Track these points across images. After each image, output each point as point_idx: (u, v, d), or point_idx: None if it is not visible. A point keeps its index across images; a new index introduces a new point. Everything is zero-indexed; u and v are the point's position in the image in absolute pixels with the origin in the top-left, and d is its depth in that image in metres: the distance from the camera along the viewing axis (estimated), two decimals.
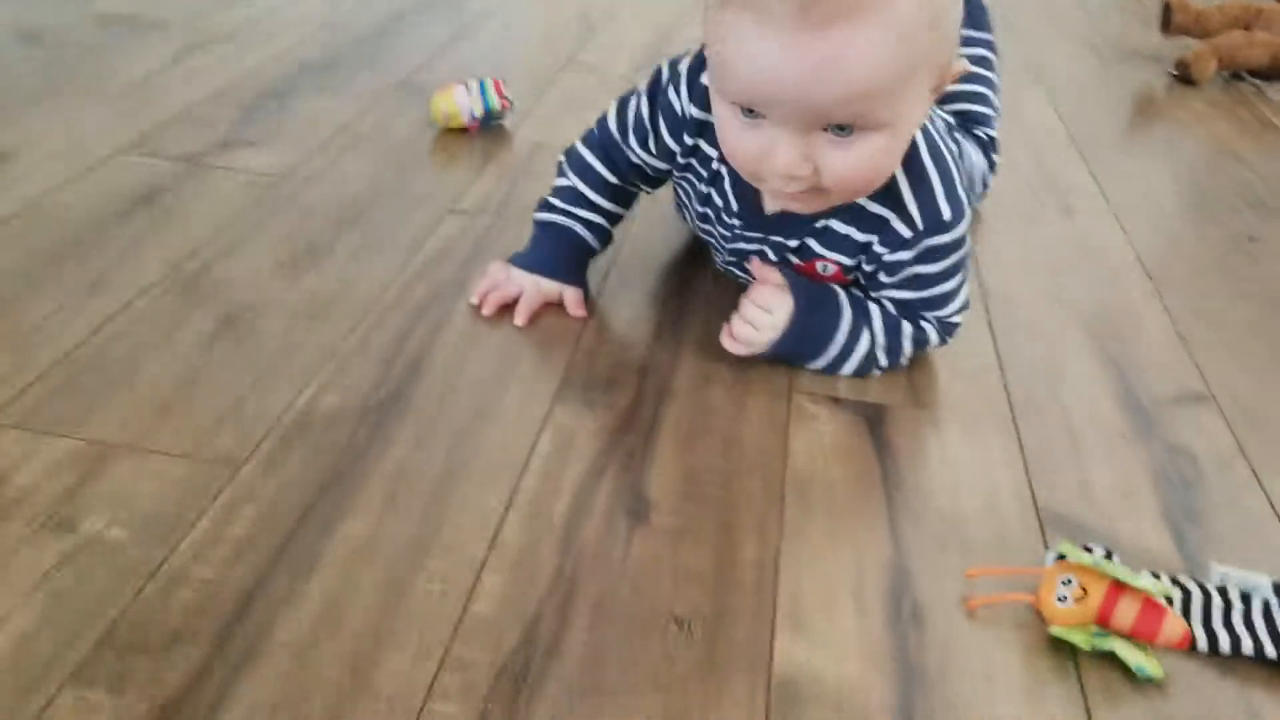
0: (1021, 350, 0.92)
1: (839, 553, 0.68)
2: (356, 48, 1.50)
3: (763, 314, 0.83)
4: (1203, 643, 0.62)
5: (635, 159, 0.89)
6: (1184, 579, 0.66)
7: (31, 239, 0.94)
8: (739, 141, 0.72)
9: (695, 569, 0.65)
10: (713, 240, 0.92)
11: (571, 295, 0.91)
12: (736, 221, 0.85)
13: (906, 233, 0.79)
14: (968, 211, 0.80)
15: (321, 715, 0.53)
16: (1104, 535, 0.71)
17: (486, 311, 0.88)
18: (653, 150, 0.87)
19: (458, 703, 0.55)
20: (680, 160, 0.86)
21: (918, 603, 0.64)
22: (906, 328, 0.84)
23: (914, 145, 0.77)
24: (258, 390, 0.77)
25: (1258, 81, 1.75)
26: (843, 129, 0.68)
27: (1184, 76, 1.72)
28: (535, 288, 0.90)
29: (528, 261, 0.91)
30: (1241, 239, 1.19)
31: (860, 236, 0.81)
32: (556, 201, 0.92)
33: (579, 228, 0.92)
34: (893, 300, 0.84)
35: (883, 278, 0.83)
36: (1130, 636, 0.61)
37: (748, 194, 0.83)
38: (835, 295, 0.84)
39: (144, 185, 1.05)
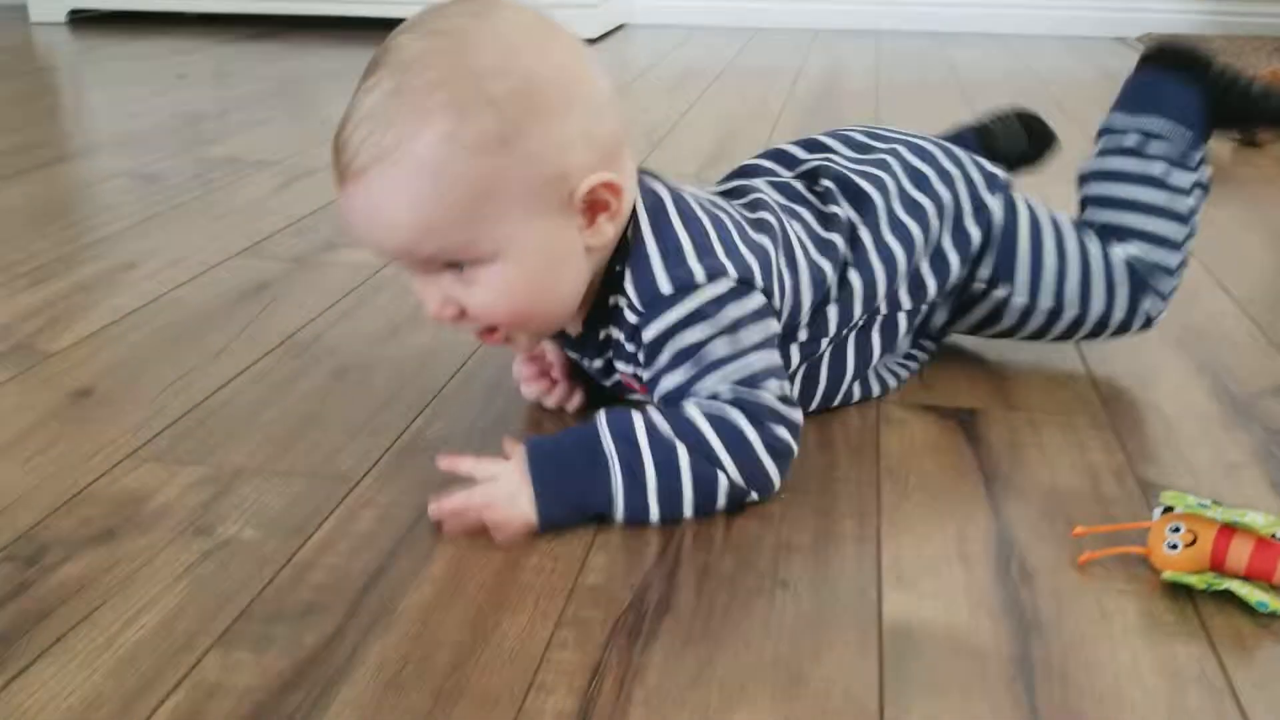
0: (1107, 359, 0.93)
1: (941, 525, 0.69)
2: None
3: (489, 486, 0.67)
4: None
5: None
6: None
7: (155, 325, 1.01)
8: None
9: (797, 542, 0.66)
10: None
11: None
12: (570, 350, 0.82)
13: (632, 318, 0.72)
14: (713, 277, 0.69)
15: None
16: None
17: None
18: None
19: None
20: None
21: (1025, 563, 0.65)
22: (682, 452, 0.67)
23: (637, 226, 0.71)
24: (370, 421, 0.82)
25: None
26: (454, 266, 0.67)
27: (1248, 140, 1.74)
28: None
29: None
30: None
31: (617, 334, 0.74)
32: None
33: None
34: (683, 384, 0.70)
35: (660, 361, 0.71)
36: (1247, 578, 0.61)
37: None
38: (590, 421, 0.70)
39: (254, 282, 1.13)
